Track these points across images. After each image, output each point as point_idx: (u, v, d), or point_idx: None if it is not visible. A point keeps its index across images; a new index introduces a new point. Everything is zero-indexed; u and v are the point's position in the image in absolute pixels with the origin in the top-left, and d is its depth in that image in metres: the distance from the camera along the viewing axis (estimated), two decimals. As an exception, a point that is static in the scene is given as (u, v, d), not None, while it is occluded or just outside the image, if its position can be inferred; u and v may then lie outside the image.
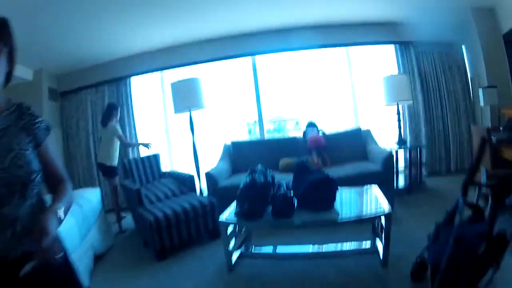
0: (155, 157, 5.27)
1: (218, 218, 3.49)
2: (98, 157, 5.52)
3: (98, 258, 4.04)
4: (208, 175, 4.80)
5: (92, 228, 4.13)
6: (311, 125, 5.68)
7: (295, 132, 7.36)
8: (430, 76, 6.31)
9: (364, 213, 3.21)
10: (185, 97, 4.84)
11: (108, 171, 5.35)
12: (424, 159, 6.02)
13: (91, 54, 5.94)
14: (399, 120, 5.90)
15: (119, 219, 5.38)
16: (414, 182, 5.65)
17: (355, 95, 6.48)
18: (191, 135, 5.02)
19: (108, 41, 5.63)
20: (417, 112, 6.31)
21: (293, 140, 5.72)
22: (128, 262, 4.04)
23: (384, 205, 3.14)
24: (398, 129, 5.89)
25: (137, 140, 6.17)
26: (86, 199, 4.20)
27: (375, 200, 3.40)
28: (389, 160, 4.69)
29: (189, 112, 4.93)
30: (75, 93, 6.37)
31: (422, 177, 5.87)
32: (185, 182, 4.84)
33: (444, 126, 6.34)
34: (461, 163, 6.33)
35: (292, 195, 3.20)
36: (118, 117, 5.50)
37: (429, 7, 5.49)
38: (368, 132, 5.66)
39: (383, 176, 4.59)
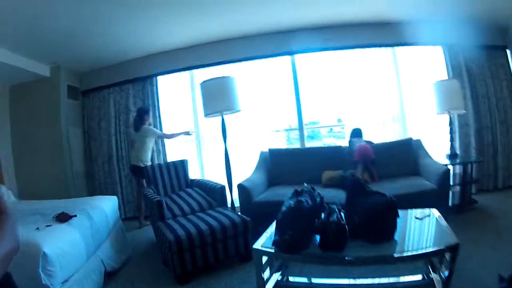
0: (183, 164, 4.58)
1: (251, 239, 3.06)
2: (131, 160, 5.22)
3: (110, 275, 3.43)
4: (241, 187, 4.08)
5: (105, 242, 3.50)
6: (357, 133, 4.94)
7: (328, 139, 6.61)
8: (479, 82, 5.46)
9: (428, 245, 2.42)
10: (217, 98, 4.13)
11: (141, 172, 4.91)
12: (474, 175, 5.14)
13: (115, 51, 5.32)
14: (451, 132, 5.12)
15: (141, 223, 5.13)
16: (464, 200, 4.79)
17: (402, 101, 5.65)
18: (223, 141, 4.30)
19: (133, 38, 4.97)
20: (466, 122, 5.46)
21: (338, 150, 4.91)
22: (144, 284, 3.35)
23: (450, 235, 2.42)
24: (450, 142, 5.11)
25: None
26: (98, 210, 3.55)
27: (437, 228, 2.66)
28: (445, 177, 3.95)
29: (221, 116, 4.21)
30: (98, 92, 5.71)
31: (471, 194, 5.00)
32: (215, 194, 4.10)
33: (493, 138, 5.47)
34: (508, 179, 5.47)
35: (345, 222, 2.43)
36: (151, 119, 5.24)
37: (471, 8, 4.77)
38: (419, 143, 4.86)
39: (438, 194, 3.86)
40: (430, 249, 2.35)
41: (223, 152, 4.30)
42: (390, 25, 5.20)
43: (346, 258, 2.33)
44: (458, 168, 5.02)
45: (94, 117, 5.74)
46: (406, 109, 5.60)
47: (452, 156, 5.01)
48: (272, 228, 2.75)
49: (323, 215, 2.52)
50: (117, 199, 4.11)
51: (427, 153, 4.76)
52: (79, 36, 4.54)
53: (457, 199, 4.79)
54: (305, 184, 2.83)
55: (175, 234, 3.19)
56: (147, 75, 5.56)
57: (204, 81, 4.25)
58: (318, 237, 2.42)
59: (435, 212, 3.00)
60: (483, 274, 2.69)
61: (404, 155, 4.68)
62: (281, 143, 5.83)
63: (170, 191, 4.40)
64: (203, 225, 3.37)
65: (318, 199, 2.70)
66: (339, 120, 6.36)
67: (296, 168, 4.58)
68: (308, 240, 2.44)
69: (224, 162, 4.30)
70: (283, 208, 2.53)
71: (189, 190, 4.33)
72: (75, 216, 3.13)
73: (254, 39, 5.39)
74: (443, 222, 2.71)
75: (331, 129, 6.64)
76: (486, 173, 5.46)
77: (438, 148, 5.39)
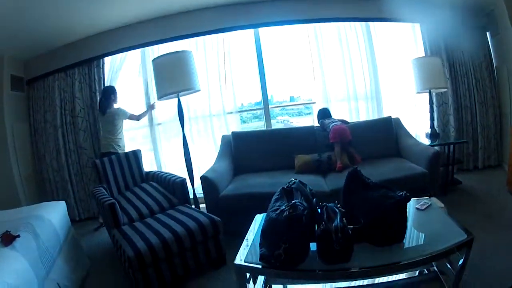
0: (135, 155, 3.69)
1: (222, 241, 2.67)
2: (102, 147, 4.30)
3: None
4: (205, 180, 3.21)
5: (57, 260, 2.53)
6: (325, 113, 4.15)
7: (282, 117, 5.71)
8: (458, 62, 4.76)
9: (440, 243, 1.81)
10: (172, 77, 3.28)
11: None
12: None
13: (57, 33, 4.28)
14: (432, 111, 4.48)
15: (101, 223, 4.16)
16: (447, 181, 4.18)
17: (377, 78, 4.87)
18: (181, 126, 3.43)
19: (77, 15, 3.96)
20: (445, 100, 4.79)
21: (310, 131, 4.06)
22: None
23: (460, 228, 1.93)
24: (430, 120, 4.45)
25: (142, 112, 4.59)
26: (45, 224, 2.57)
27: (443, 220, 2.13)
28: (435, 159, 3.33)
29: (177, 98, 3.34)
30: (43, 80, 4.66)
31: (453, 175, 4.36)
32: (175, 189, 3.25)
33: (472, 118, 4.82)
34: (488, 159, 4.85)
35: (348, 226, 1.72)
36: (117, 100, 4.32)
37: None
38: (398, 122, 4.15)
39: (428, 178, 3.26)
40: (444, 248, 1.77)
41: (181, 139, 3.42)
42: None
43: (353, 270, 1.67)
44: (439, 148, 4.30)
45: (39, 109, 4.69)
46: (381, 86, 4.85)
47: (433, 135, 4.35)
48: (251, 235, 2.12)
49: (324, 219, 1.76)
50: (65, 204, 3.13)
51: (408, 133, 4.10)
52: (16, 19, 3.61)
53: (440, 180, 4.07)
54: (293, 179, 2.06)
55: (135, 248, 2.37)
56: (92, 57, 4.55)
57: (156, 58, 3.42)
58: (315, 245, 1.74)
59: (436, 202, 2.46)
60: (486, 264, 2.33)
61: (385, 135, 3.98)
62: (236, 125, 4.86)
63: (123, 188, 3.52)
64: (166, 232, 2.55)
65: (313, 199, 1.95)
66: (294, 98, 5.52)
67: (265, 153, 3.84)
68: (305, 251, 1.74)
69: (182, 151, 3.43)
70: (271, 215, 1.78)
71: (145, 185, 3.46)
72: (19, 236, 2.19)
73: (214, 11, 4.47)
74: (445, 212, 2.24)
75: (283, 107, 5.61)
76: (466, 152, 4.83)
77: (414, 127, 4.79)
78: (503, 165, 4.64)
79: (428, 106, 4.55)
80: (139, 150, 3.72)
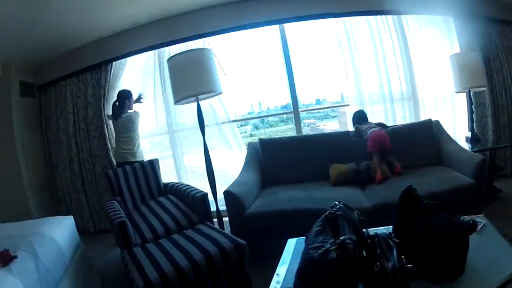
0: (152, 165, 3.17)
1: (248, 266, 2.11)
2: (117, 157, 3.79)
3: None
4: (229, 196, 2.64)
5: (62, 281, 2.07)
6: (362, 117, 3.53)
7: (308, 121, 5.14)
8: (493, 58, 4.08)
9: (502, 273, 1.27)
10: (190, 78, 2.70)
11: None
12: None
13: (69, 36, 3.80)
14: (471, 112, 3.86)
15: None
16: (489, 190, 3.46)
17: (412, 76, 4.21)
18: (201, 134, 2.88)
19: (87, 17, 3.49)
20: (482, 101, 4.13)
21: (345, 137, 3.42)
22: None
23: None
24: (470, 123, 3.86)
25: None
26: (46, 242, 2.11)
27: (501, 243, 1.55)
28: (483, 167, 2.70)
29: (196, 101, 2.79)
30: (55, 86, 4.18)
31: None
32: (194, 205, 2.71)
33: (509, 119, 4.15)
34: None
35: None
36: (132, 105, 3.77)
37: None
38: (439, 126, 3.51)
39: (475, 189, 2.64)
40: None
41: (202, 148, 2.86)
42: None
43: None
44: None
45: (51, 116, 4.20)
46: (417, 86, 4.19)
47: (474, 139, 3.71)
48: (283, 269, 1.59)
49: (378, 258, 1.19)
50: (73, 219, 2.64)
51: (450, 137, 3.46)
52: (26, 24, 3.18)
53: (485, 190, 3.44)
54: (337, 203, 1.46)
55: (145, 278, 1.86)
56: (107, 59, 4.01)
57: (173, 57, 2.86)
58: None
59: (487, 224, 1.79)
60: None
61: (425, 141, 3.34)
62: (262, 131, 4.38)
63: (139, 202, 3.02)
64: (183, 259, 2.01)
65: (362, 228, 1.37)
66: (320, 101, 4.87)
67: (295, 162, 3.23)
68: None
69: (204, 161, 2.87)
70: (312, 253, 1.23)
71: (162, 199, 2.94)
72: (16, 257, 1.78)
73: (234, 6, 3.89)
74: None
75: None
76: (504, 157, 4.14)
77: (452, 130, 4.19)
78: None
79: (466, 107, 3.98)
80: (156, 160, 3.21)
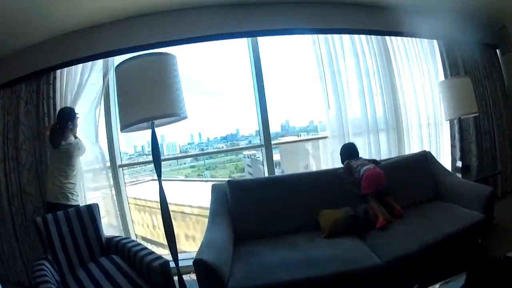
0: (90, 212, 2.22)
1: None
2: (48, 195, 2.61)
3: None
4: (201, 266, 1.68)
5: None
6: (352, 151, 2.74)
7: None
8: (475, 82, 3.56)
9: None
10: (144, 95, 1.77)
11: None
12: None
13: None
14: (461, 141, 3.30)
15: None
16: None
17: (395, 104, 3.44)
18: (156, 172, 1.96)
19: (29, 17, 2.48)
20: (466, 127, 3.57)
21: (333, 176, 2.56)
22: None
23: None
24: (460, 152, 3.32)
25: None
26: None
27: None
28: (491, 201, 2.27)
29: (151, 128, 1.90)
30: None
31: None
32: (150, 276, 1.81)
33: (491, 143, 3.72)
34: (508, 185, 3.78)
35: None
36: (76, 129, 2.68)
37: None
38: (431, 157, 2.88)
39: (484, 225, 2.20)
40: None
41: (158, 191, 1.96)
42: (381, 9, 3.15)
43: None
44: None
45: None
46: (401, 113, 3.47)
47: (465, 169, 3.16)
48: None
49: None
50: None
51: (446, 169, 2.86)
52: None
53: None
54: None
55: None
56: (45, 68, 2.86)
57: (122, 63, 1.87)
58: None
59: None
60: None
61: (422, 175, 2.71)
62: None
63: (77, 263, 2.08)
64: None
65: None
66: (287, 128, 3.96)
67: (276, 210, 2.35)
68: None
69: (160, 209, 1.96)
70: None
71: (105, 263, 2.03)
72: None
73: (197, 12, 2.85)
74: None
75: (250, 140, 4.01)
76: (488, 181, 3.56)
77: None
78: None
79: (450, 135, 3.55)
80: (96, 205, 2.27)
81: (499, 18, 3.66)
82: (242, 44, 3.19)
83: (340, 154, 2.76)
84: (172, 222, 1.96)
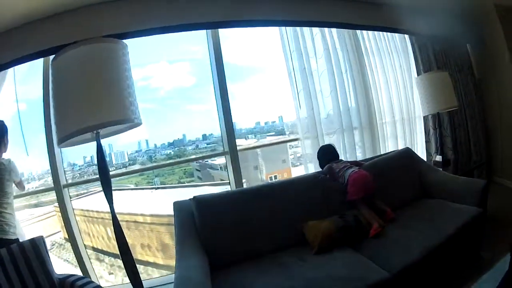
0: (36, 247, 1.73)
1: None
2: None
3: None
4: None
5: None
6: (331, 153, 2.42)
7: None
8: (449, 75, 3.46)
9: None
10: (88, 95, 1.33)
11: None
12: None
13: None
14: (440, 135, 3.14)
15: None
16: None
17: (367, 99, 3.16)
18: (103, 190, 1.50)
19: None
20: (441, 120, 3.41)
21: (314, 182, 2.16)
22: None
23: None
24: (439, 147, 3.15)
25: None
26: None
27: None
28: (486, 192, 2.12)
29: (96, 140, 1.46)
30: None
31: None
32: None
33: (465, 135, 3.63)
34: (481, 175, 3.64)
35: None
36: (8, 146, 2.06)
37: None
38: (412, 154, 2.66)
39: (481, 218, 2.06)
40: None
41: (110, 214, 1.52)
42: (352, 2, 2.90)
43: None
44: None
45: None
46: (374, 109, 3.19)
47: (445, 163, 3.03)
48: None
49: None
50: None
51: (430, 165, 2.68)
52: None
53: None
54: None
55: None
56: None
57: (59, 55, 1.39)
58: None
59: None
60: None
61: (407, 174, 2.48)
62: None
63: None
64: None
65: None
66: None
67: (254, 227, 1.92)
68: None
69: (113, 228, 1.52)
70: None
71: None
72: None
73: (151, 1, 2.31)
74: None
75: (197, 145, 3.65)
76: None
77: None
78: (496, 179, 3.68)
79: (423, 130, 3.41)
80: (41, 238, 1.76)
81: (470, 13, 3.51)
82: (200, 37, 2.72)
83: (318, 158, 2.44)
84: (129, 250, 1.53)
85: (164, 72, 3.24)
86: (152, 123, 3.25)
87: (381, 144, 3.19)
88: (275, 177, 3.96)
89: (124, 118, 1.37)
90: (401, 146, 3.16)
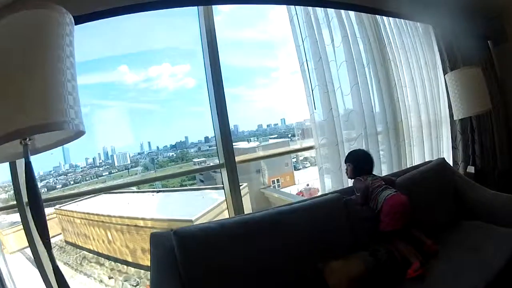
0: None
1: None
2: None
3: None
4: None
5: None
6: (365, 161, 1.75)
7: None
8: None
9: None
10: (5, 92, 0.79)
11: None
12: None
13: None
14: (472, 142, 2.58)
15: None
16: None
17: (391, 97, 2.54)
18: (36, 225, 0.93)
19: None
20: (466, 125, 2.84)
21: (337, 206, 1.55)
22: None
23: None
24: (470, 155, 2.57)
25: None
26: None
27: None
28: None
29: (24, 154, 0.88)
30: None
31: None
32: None
33: (491, 141, 2.99)
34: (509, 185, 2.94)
35: None
36: None
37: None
38: (446, 166, 2.10)
39: None
40: None
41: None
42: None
43: None
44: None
45: None
46: (400, 111, 2.56)
47: (480, 175, 2.52)
48: None
49: None
50: None
51: (467, 180, 2.07)
52: None
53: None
54: None
55: None
56: None
57: None
58: None
59: None
60: None
61: (444, 190, 1.92)
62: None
63: None
64: None
65: None
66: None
67: (256, 270, 1.31)
68: None
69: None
70: None
71: None
72: None
73: None
74: None
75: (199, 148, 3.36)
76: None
77: None
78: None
79: (450, 136, 2.80)
80: None
81: (491, 9, 3.02)
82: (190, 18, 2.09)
83: (354, 164, 1.73)
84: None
85: (167, 74, 2.98)
86: (154, 125, 3.16)
87: (407, 152, 2.60)
88: (278, 180, 3.72)
89: (47, 122, 0.82)
90: (427, 155, 2.62)
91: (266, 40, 2.87)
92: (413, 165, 2.34)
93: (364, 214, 1.59)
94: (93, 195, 3.05)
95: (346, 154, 1.85)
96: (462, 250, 1.53)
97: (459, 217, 1.87)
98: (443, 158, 2.12)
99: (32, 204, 0.95)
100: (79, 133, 0.91)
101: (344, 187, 2.01)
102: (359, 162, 1.74)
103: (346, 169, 1.78)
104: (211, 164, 3.11)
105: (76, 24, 0.97)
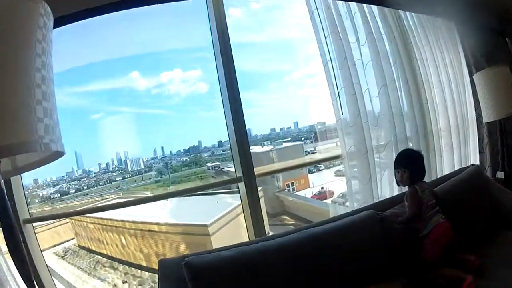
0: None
1: None
2: None
3: None
4: None
5: None
6: (418, 165, 1.45)
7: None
8: None
9: None
10: None
11: None
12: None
13: None
14: (502, 146, 2.34)
15: None
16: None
17: (419, 99, 2.25)
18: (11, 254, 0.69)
19: None
20: (493, 128, 2.53)
21: (372, 226, 1.30)
22: None
23: None
24: (500, 160, 2.34)
25: None
26: None
27: None
28: None
29: None
30: None
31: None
32: None
33: None
34: None
35: None
36: None
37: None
38: (479, 173, 1.82)
39: None
40: None
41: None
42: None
43: None
44: None
45: None
46: (429, 113, 2.28)
47: (509, 180, 2.24)
48: None
49: None
50: None
51: (503, 188, 1.81)
52: None
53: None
54: None
55: None
56: None
57: None
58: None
59: None
60: None
61: (479, 200, 1.67)
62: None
63: None
64: None
65: None
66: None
67: None
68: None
69: None
70: None
71: None
72: None
73: None
74: None
75: (213, 152, 3.29)
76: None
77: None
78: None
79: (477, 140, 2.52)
80: None
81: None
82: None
83: (410, 172, 1.42)
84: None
85: (178, 79, 3.05)
86: (167, 130, 3.25)
87: (437, 157, 2.32)
88: (292, 184, 3.66)
89: (29, 140, 0.60)
90: (456, 160, 2.35)
91: (279, 42, 2.72)
92: (444, 173, 2.11)
93: (404, 234, 1.34)
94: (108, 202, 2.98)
95: (397, 157, 1.53)
96: (504, 264, 1.29)
97: (495, 226, 1.63)
98: (477, 166, 1.90)
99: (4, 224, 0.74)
100: (57, 154, 0.68)
101: (375, 201, 1.76)
102: (417, 168, 1.44)
103: (397, 175, 1.45)
104: (225, 168, 3.01)
105: (63, 25, 0.76)
